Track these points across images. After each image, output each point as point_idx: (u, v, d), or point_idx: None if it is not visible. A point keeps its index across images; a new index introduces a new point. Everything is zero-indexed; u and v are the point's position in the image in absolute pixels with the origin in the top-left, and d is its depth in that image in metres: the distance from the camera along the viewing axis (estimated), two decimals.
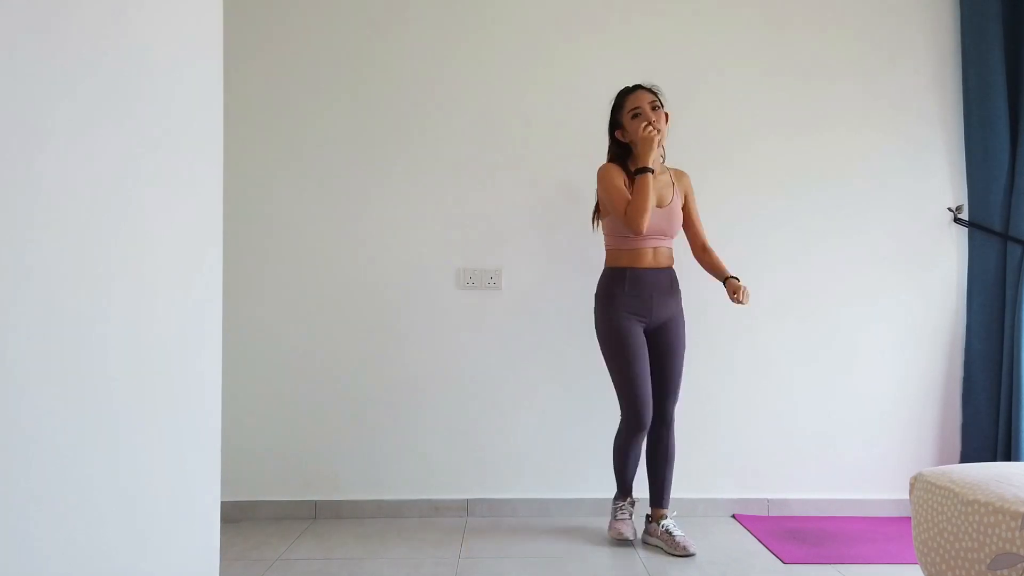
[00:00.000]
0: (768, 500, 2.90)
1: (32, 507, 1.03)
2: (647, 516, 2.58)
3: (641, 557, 2.41)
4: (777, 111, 2.94)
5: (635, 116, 2.45)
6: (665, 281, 2.51)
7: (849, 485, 2.91)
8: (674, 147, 2.86)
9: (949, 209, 2.94)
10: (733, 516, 2.86)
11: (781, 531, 2.67)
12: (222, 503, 1.70)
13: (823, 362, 2.93)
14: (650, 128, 2.39)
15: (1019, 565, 1.40)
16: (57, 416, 1.08)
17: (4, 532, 0.98)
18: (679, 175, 2.60)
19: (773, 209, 2.93)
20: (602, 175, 2.49)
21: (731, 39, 2.94)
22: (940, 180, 2.95)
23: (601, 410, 2.80)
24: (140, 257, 1.30)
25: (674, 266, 2.56)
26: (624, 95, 2.51)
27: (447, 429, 2.88)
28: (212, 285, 1.55)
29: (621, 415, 2.50)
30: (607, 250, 2.56)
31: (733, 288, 2.45)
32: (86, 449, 1.15)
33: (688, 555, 2.40)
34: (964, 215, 2.92)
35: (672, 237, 2.53)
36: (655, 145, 2.40)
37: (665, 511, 2.54)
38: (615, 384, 2.49)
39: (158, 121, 1.35)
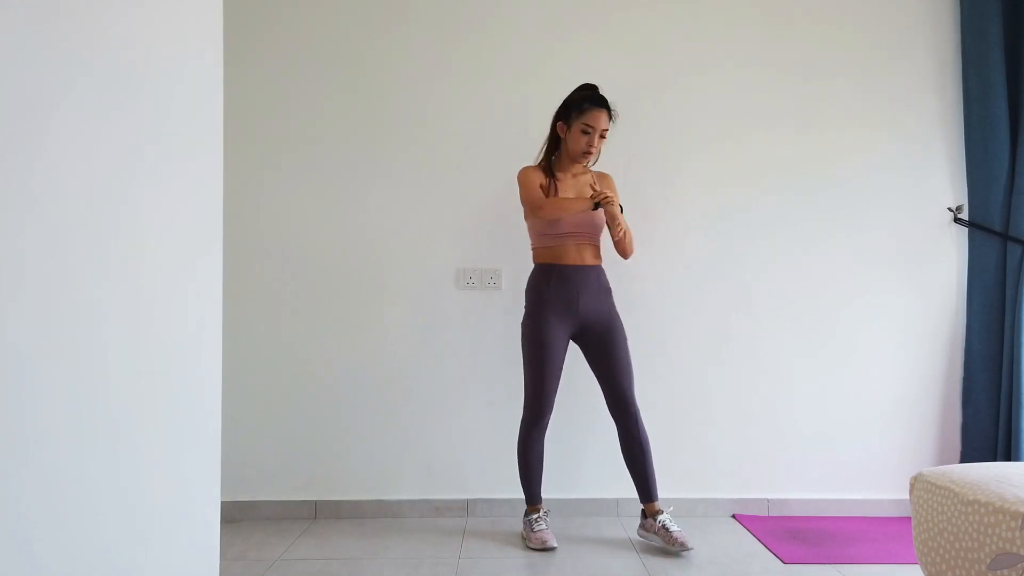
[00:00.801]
0: (768, 500, 2.90)
1: (32, 508, 1.03)
2: (642, 511, 2.54)
3: (641, 556, 2.41)
4: (776, 110, 2.94)
5: (584, 132, 2.49)
6: (592, 278, 2.53)
7: (849, 485, 2.91)
8: (675, 144, 2.88)
9: (949, 209, 2.94)
10: (733, 516, 2.86)
11: (781, 531, 2.67)
12: (222, 503, 1.70)
13: (823, 362, 2.93)
14: (615, 212, 2.43)
15: (1019, 565, 1.40)
16: (57, 417, 1.08)
17: (4, 532, 0.98)
18: (602, 177, 2.65)
19: (773, 208, 2.93)
20: (520, 178, 2.55)
21: (731, 38, 2.94)
22: (940, 180, 2.95)
23: (601, 410, 2.80)
24: (140, 257, 1.30)
25: (602, 264, 2.59)
26: (588, 104, 2.49)
27: (447, 429, 2.88)
28: (212, 285, 1.55)
29: (523, 408, 2.55)
30: (533, 249, 2.61)
31: (610, 216, 2.44)
32: (86, 450, 1.15)
33: (686, 550, 2.40)
34: (964, 215, 2.92)
35: (595, 236, 2.57)
36: (612, 215, 2.44)
37: (657, 504, 2.51)
38: (525, 378, 2.54)
39: (158, 121, 1.35)
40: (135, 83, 1.28)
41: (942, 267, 2.94)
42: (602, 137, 2.51)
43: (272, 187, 2.88)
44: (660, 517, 2.48)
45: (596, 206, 2.43)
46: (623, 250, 2.59)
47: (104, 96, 1.19)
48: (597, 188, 2.50)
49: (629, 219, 2.67)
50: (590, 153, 2.52)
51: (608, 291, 2.59)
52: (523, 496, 2.69)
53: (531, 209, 2.50)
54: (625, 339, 2.57)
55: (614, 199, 2.43)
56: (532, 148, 2.89)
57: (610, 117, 2.51)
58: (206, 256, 1.53)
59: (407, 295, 2.89)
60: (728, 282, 2.92)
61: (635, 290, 2.89)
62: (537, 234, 2.57)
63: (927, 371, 2.94)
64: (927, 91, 2.95)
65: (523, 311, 2.60)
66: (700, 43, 2.94)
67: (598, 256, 2.59)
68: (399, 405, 2.88)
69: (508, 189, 2.91)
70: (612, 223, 2.47)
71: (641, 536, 2.55)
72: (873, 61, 2.95)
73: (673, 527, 2.46)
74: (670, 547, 2.43)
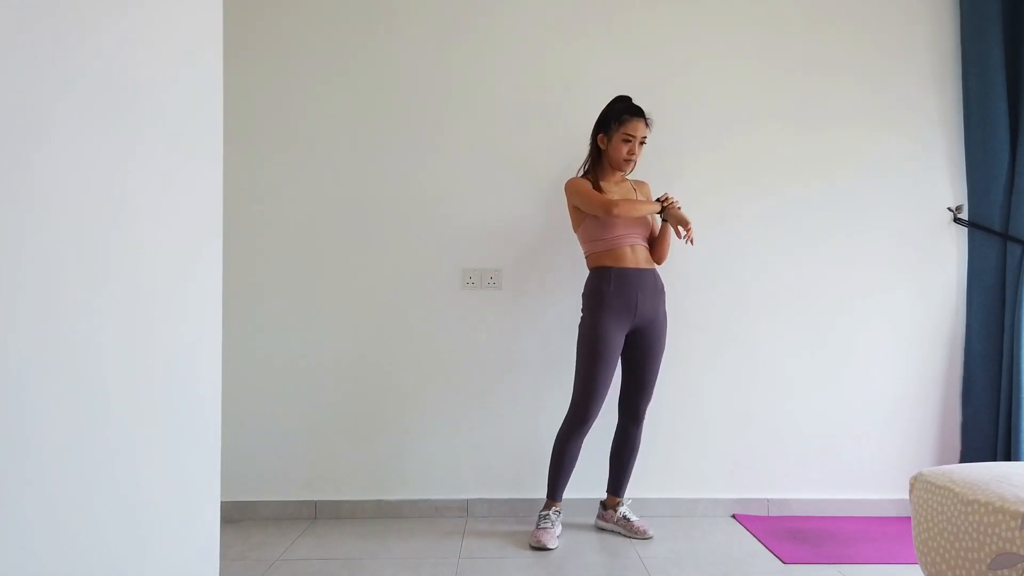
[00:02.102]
0: (768, 500, 2.90)
1: (31, 509, 1.03)
2: (602, 503, 2.71)
3: (641, 556, 2.42)
4: (777, 110, 2.94)
5: (625, 141, 2.55)
6: (649, 280, 2.57)
7: (849, 485, 2.91)
8: (674, 142, 2.88)
9: (949, 209, 2.94)
10: (733, 516, 2.86)
11: (781, 531, 2.67)
12: (222, 503, 1.70)
13: (823, 362, 2.93)
14: (683, 216, 2.52)
15: (1019, 565, 1.40)
16: (56, 418, 1.08)
17: (4, 533, 0.98)
18: (640, 184, 2.72)
19: (772, 208, 2.93)
20: (574, 187, 2.56)
21: (731, 38, 2.94)
22: (940, 180, 2.95)
23: (607, 413, 2.80)
24: (139, 257, 1.29)
25: (656, 269, 2.62)
26: (628, 115, 2.54)
27: (447, 429, 2.88)
28: (212, 285, 1.55)
29: (570, 407, 2.56)
30: (587, 256, 2.62)
31: (677, 219, 2.51)
32: (85, 451, 1.15)
33: (647, 538, 2.56)
34: (964, 215, 2.92)
35: (646, 236, 2.62)
36: (679, 218, 2.52)
37: (621, 499, 2.68)
38: (577, 378, 2.54)
39: (157, 119, 1.35)
40: (135, 82, 1.28)
41: (942, 267, 2.94)
42: (642, 144, 2.57)
43: (272, 188, 2.88)
44: (620, 509, 2.66)
45: (662, 210, 2.54)
46: (661, 255, 2.64)
47: (103, 95, 1.19)
48: (639, 195, 2.64)
49: None
50: (631, 160, 2.57)
51: (663, 295, 2.62)
52: (523, 497, 2.71)
53: (603, 208, 2.46)
54: (663, 349, 2.63)
55: (677, 202, 2.55)
56: (533, 148, 2.90)
57: (647, 125, 2.57)
58: (206, 256, 1.53)
59: (406, 295, 2.89)
60: (727, 282, 2.92)
61: None
62: (591, 239, 2.57)
63: (927, 371, 2.94)
64: (927, 91, 2.95)
65: (580, 314, 2.60)
66: (700, 43, 2.94)
67: (651, 260, 2.62)
68: (399, 405, 2.88)
69: (508, 189, 2.91)
70: (684, 225, 2.50)
71: (599, 526, 2.69)
72: (873, 61, 2.95)
73: (633, 517, 2.63)
74: (632, 535, 2.58)
